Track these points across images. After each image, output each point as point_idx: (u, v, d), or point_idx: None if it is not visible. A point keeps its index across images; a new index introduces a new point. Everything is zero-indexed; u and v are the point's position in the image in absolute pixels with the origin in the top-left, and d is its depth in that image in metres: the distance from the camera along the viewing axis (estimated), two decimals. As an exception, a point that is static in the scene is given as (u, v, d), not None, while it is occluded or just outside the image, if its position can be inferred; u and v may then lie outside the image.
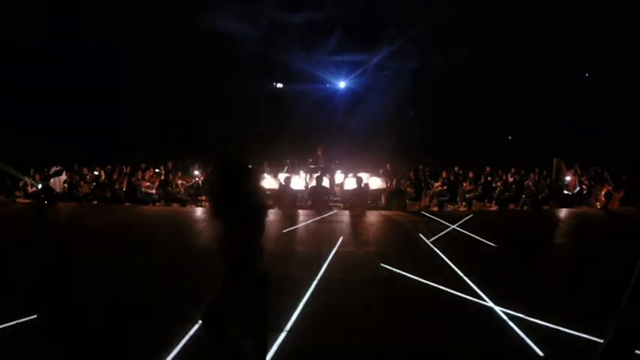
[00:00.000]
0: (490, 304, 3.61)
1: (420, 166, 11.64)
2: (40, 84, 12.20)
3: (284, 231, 6.41)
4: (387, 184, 9.85)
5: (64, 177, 9.55)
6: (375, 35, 13.66)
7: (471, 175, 10.51)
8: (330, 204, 9.04)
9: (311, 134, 13.20)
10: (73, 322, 3.28)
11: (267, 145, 12.39)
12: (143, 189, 9.55)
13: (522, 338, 3.02)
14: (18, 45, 11.23)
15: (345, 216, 7.79)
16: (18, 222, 6.83)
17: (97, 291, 3.92)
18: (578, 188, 9.38)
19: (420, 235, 6.10)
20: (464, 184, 10.23)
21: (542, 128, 12.91)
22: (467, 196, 9.83)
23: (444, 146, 14.02)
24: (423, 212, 8.35)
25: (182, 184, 10.09)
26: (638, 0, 10.45)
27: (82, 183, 9.86)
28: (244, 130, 13.46)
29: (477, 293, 3.84)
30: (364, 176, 9.16)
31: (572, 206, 8.85)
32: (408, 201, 9.37)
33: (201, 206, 9.26)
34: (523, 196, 9.35)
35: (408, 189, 10.19)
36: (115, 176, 10.13)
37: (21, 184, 9.35)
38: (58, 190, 9.21)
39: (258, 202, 2.23)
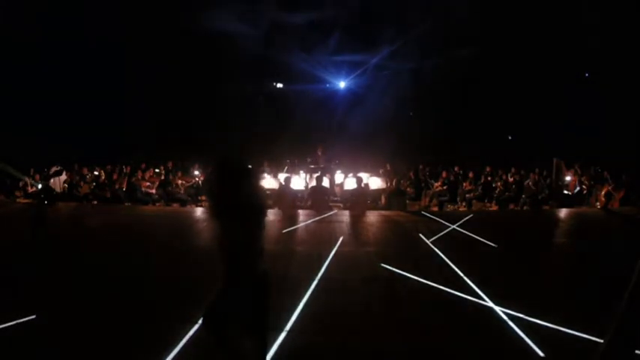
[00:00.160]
0: (490, 304, 3.61)
1: (420, 166, 11.64)
2: (40, 84, 12.19)
3: (284, 231, 6.41)
4: (387, 184, 9.85)
5: (64, 177, 9.56)
6: (375, 35, 13.65)
7: (471, 175, 10.52)
8: (330, 204, 9.03)
9: (311, 134, 13.23)
10: (73, 322, 3.28)
11: (267, 145, 12.38)
12: (143, 189, 9.56)
13: (522, 338, 3.02)
14: (18, 45, 11.22)
15: (345, 216, 7.78)
16: (18, 222, 6.83)
17: (97, 291, 3.92)
18: (578, 188, 9.39)
19: (420, 235, 6.10)
20: (464, 184, 10.23)
21: (542, 128, 12.90)
22: (467, 196, 9.84)
23: (444, 146, 14.01)
24: (423, 212, 8.36)
25: (182, 184, 10.09)
26: (638, 0, 10.45)
27: (82, 183, 9.87)
28: (244, 130, 13.46)
29: (477, 293, 3.84)
30: (364, 176, 9.16)
31: (572, 206, 8.86)
32: (408, 201, 9.38)
33: (201, 206, 9.26)
34: (523, 196, 9.35)
35: (408, 189, 10.19)
36: (115, 176, 10.13)
37: (21, 184, 9.35)
38: (58, 190, 9.21)
39: (258, 202, 2.22)
